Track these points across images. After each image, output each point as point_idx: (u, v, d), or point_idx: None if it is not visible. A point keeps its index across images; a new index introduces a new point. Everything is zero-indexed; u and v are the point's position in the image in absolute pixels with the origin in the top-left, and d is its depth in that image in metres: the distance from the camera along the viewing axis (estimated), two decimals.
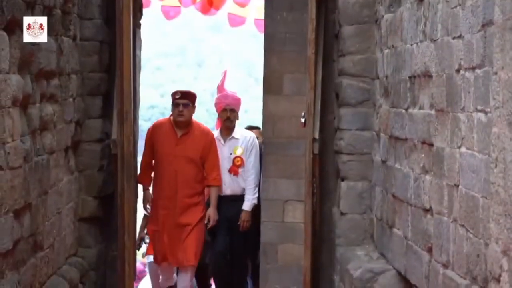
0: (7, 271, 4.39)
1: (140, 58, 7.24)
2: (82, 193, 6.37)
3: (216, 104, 7.59)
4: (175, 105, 6.94)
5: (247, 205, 7.43)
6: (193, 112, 7.02)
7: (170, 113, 7.10)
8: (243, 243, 7.54)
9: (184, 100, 6.91)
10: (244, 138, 7.55)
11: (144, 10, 7.76)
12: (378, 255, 5.97)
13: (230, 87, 7.75)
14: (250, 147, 7.51)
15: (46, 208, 5.25)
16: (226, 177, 7.39)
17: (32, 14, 4.83)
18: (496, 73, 3.07)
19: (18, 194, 4.58)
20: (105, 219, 6.64)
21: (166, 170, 6.92)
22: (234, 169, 7.46)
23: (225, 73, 7.78)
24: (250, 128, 8.47)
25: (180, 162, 6.90)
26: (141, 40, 7.29)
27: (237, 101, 7.56)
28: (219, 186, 7.23)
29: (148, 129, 7.14)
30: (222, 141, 7.48)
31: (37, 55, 4.97)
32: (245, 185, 7.46)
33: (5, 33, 4.33)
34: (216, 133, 7.53)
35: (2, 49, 4.27)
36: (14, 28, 4.51)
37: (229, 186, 7.46)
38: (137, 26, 7.02)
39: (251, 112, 24.94)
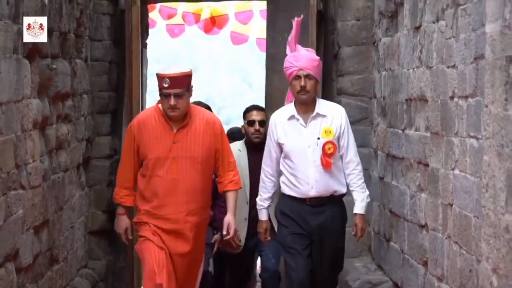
0: (27, 284, 4.64)
1: (147, 77, 7.46)
2: (92, 207, 6.60)
3: (286, 69, 5.19)
4: (164, 95, 4.88)
5: (361, 207, 5.18)
6: (190, 96, 4.97)
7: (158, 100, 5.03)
8: (329, 265, 5.26)
9: (176, 90, 4.81)
10: (333, 114, 5.17)
11: (150, 30, 8.01)
12: (375, 267, 6.20)
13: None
14: (344, 126, 5.16)
15: (61, 223, 5.50)
16: (310, 173, 5.07)
17: (50, 40, 5.05)
18: (487, 106, 3.32)
19: (37, 211, 4.84)
20: (113, 232, 6.83)
21: (162, 180, 4.90)
22: (327, 161, 5.06)
23: (297, 23, 5.45)
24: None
25: (182, 166, 4.90)
26: (147, 59, 7.53)
27: (315, 63, 5.16)
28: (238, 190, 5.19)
29: (130, 127, 5.07)
30: (301, 120, 5.13)
31: (54, 79, 5.22)
32: (340, 181, 5.16)
33: (27, 61, 4.59)
34: (289, 109, 5.20)
35: (24, 76, 4.52)
36: (34, 55, 4.75)
37: (315, 184, 5.07)
38: (143, 46, 7.27)
39: None
